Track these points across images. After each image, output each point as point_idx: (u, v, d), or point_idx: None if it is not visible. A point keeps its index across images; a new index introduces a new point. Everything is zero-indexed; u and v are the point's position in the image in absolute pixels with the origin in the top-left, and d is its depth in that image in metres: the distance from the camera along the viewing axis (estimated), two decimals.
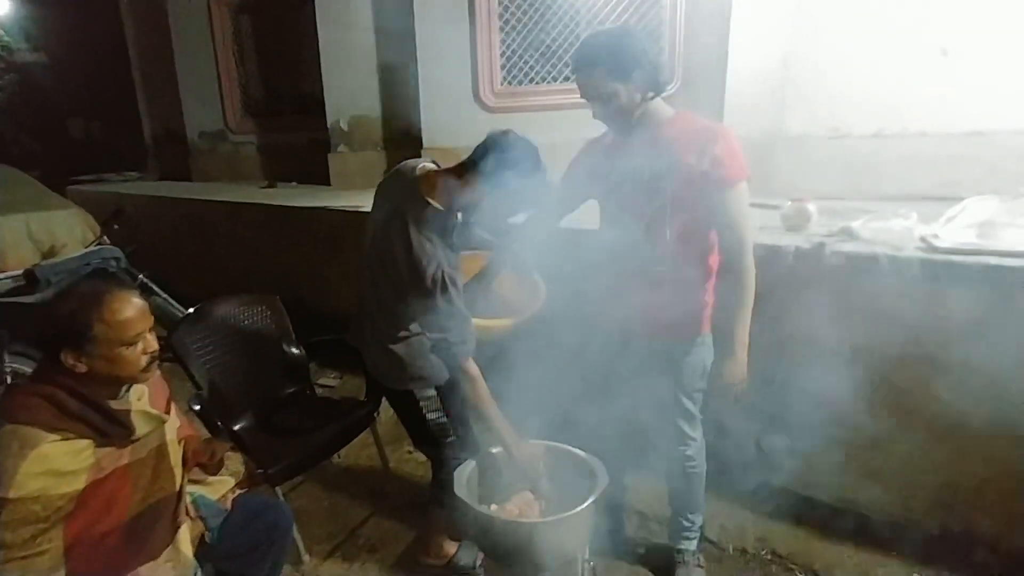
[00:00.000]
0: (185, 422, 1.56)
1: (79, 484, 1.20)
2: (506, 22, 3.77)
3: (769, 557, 2.02)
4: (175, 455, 1.44)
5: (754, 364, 1.74)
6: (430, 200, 1.60)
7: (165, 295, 3.55)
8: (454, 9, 3.75)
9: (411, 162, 1.70)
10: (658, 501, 2.18)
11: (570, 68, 1.57)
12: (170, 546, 1.37)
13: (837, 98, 2.82)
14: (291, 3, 4.97)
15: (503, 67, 3.84)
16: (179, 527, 1.42)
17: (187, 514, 1.49)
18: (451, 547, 2.04)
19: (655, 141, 1.54)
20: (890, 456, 1.95)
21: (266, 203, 4.04)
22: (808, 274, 1.94)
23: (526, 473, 1.69)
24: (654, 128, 1.55)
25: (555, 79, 3.73)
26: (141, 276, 3.42)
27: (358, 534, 2.25)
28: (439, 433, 1.82)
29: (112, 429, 1.25)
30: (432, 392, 1.79)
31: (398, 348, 1.70)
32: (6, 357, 2.68)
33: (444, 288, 1.55)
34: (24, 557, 1.14)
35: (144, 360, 1.27)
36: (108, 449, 1.26)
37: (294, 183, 4.98)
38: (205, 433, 1.85)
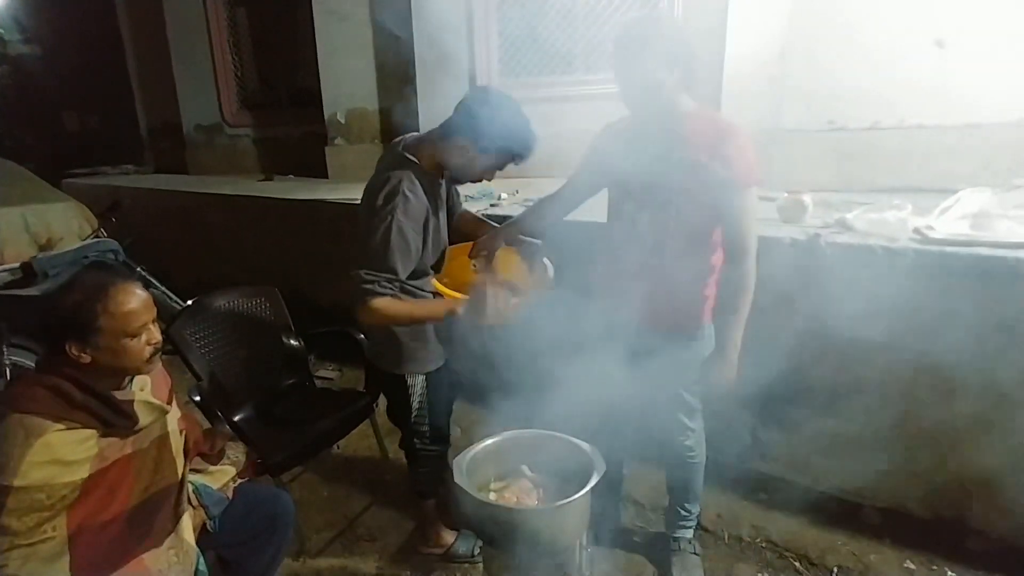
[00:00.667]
0: (184, 413, 1.57)
1: (83, 473, 1.21)
2: (504, 13, 3.76)
3: (764, 545, 2.04)
4: (177, 445, 1.45)
5: (749, 354, 1.76)
6: (413, 159, 1.63)
7: (163, 288, 3.55)
8: (452, 0, 3.74)
9: (407, 135, 1.74)
10: (655, 490, 2.21)
11: (612, 56, 1.52)
12: (173, 534, 1.39)
13: (833, 91, 2.82)
14: None
15: (501, 58, 3.84)
16: (181, 515, 1.44)
17: (189, 503, 1.51)
18: (449, 536, 2.06)
19: (672, 134, 1.53)
20: (883, 445, 1.97)
21: (264, 196, 4.04)
22: (803, 265, 1.95)
23: (488, 313, 1.53)
24: (674, 121, 1.54)
25: (552, 71, 3.72)
26: (139, 269, 3.42)
27: (357, 524, 2.27)
28: (416, 423, 1.86)
29: (116, 419, 1.27)
30: (421, 380, 1.81)
31: (396, 330, 1.73)
32: (5, 350, 2.68)
33: (389, 226, 1.53)
34: (29, 544, 1.15)
35: (148, 351, 1.29)
36: (111, 439, 1.27)
37: (291, 176, 4.97)
38: (205, 424, 1.87)
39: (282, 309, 2.45)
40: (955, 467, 1.88)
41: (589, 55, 3.62)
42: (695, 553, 1.95)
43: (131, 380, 1.34)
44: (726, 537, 2.09)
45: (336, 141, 4.55)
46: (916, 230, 1.89)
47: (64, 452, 1.18)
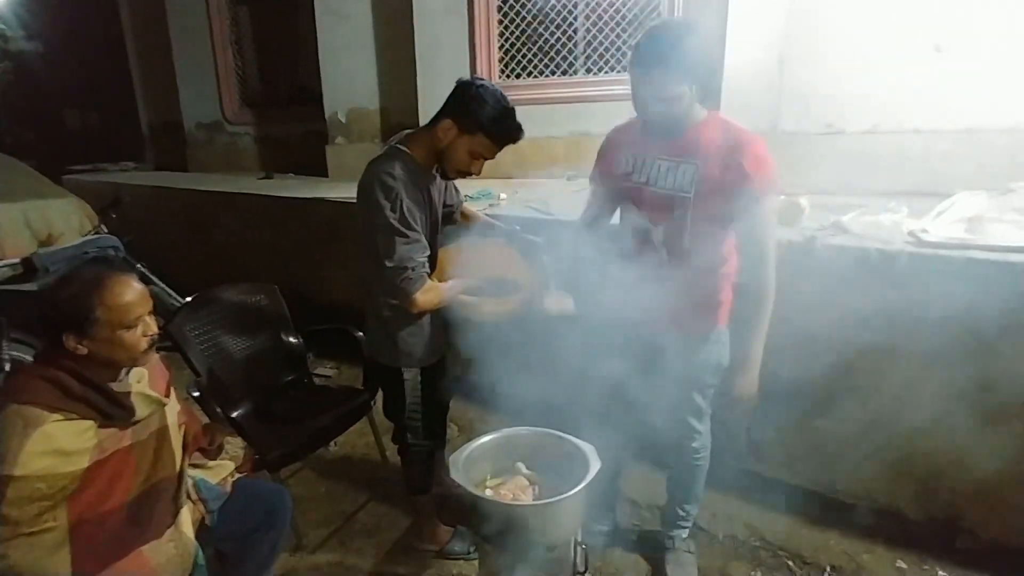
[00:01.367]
0: (184, 408, 1.59)
1: (82, 464, 1.22)
2: (504, 15, 3.78)
3: (758, 544, 2.06)
4: (176, 438, 1.46)
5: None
6: (406, 150, 1.66)
7: (163, 284, 3.57)
8: (453, 1, 3.76)
9: (401, 132, 1.77)
10: (651, 489, 2.22)
11: (633, 63, 1.47)
12: (172, 527, 1.40)
13: (832, 95, 2.84)
14: None
15: (501, 60, 3.86)
16: (180, 508, 1.45)
17: (188, 497, 1.52)
18: (445, 533, 2.08)
19: (686, 144, 1.52)
20: (877, 446, 1.99)
21: (264, 194, 4.05)
22: (799, 267, 1.97)
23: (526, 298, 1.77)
24: (688, 130, 1.52)
25: (553, 72, 3.75)
26: (139, 266, 3.43)
27: (354, 520, 2.28)
28: (409, 418, 1.88)
29: (113, 410, 1.28)
30: (415, 374, 1.84)
31: (389, 320, 1.75)
32: (4, 344, 2.69)
33: (393, 214, 1.58)
34: (30, 533, 1.17)
35: (144, 343, 1.30)
36: (110, 430, 1.28)
37: (291, 174, 4.99)
38: (204, 419, 1.88)
39: (281, 306, 2.46)
40: (948, 468, 1.90)
41: (590, 57, 3.65)
42: (690, 552, 1.97)
43: (128, 372, 1.35)
44: (720, 536, 2.11)
45: (337, 140, 4.57)
46: (911, 233, 1.90)
47: (63, 442, 1.19)
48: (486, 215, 2.10)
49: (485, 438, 1.67)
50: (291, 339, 2.45)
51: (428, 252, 1.68)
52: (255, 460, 1.84)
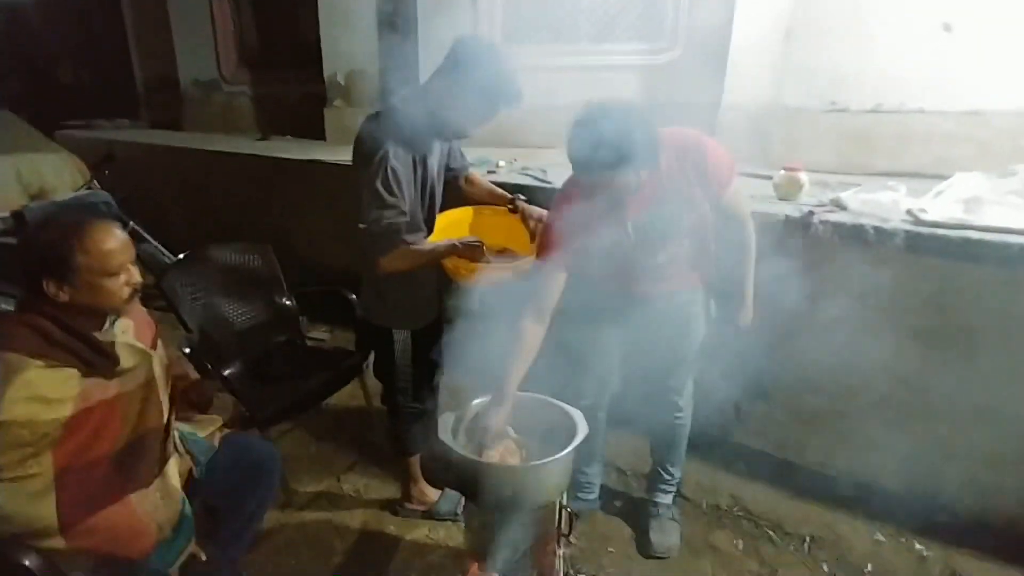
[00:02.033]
0: (176, 361, 1.59)
1: (65, 412, 1.22)
2: None
3: (740, 514, 2.10)
4: (163, 390, 1.46)
5: (737, 328, 1.78)
6: (403, 109, 1.63)
7: (155, 243, 3.55)
8: None
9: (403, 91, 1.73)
10: (637, 457, 2.25)
11: (578, 165, 1.42)
12: (159, 477, 1.41)
13: (837, 71, 2.80)
14: None
15: (504, 23, 3.78)
16: (167, 460, 1.46)
17: (176, 449, 1.53)
18: (433, 493, 2.11)
19: (653, 186, 1.47)
20: (863, 423, 2.01)
21: (260, 154, 4.00)
22: (795, 242, 1.96)
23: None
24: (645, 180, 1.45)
25: (556, 39, 3.67)
26: (132, 223, 3.40)
27: (343, 480, 2.31)
28: (399, 379, 1.88)
29: (96, 359, 1.27)
30: (406, 336, 1.83)
31: (386, 283, 1.75)
32: None
33: (378, 172, 1.56)
34: (14, 479, 1.17)
35: (126, 291, 1.28)
36: (95, 380, 1.27)
37: (288, 136, 4.91)
38: (195, 374, 1.88)
39: (275, 267, 2.45)
40: (931, 444, 1.92)
41: (594, 25, 3.57)
42: (673, 519, 2.00)
43: (113, 322, 1.34)
44: (704, 505, 2.14)
45: (335, 103, 4.48)
46: (909, 211, 1.89)
47: (45, 389, 1.19)
48: (489, 182, 2.08)
49: (475, 401, 1.67)
50: (284, 300, 2.45)
51: (406, 218, 1.63)
52: (244, 417, 1.85)
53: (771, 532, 2.01)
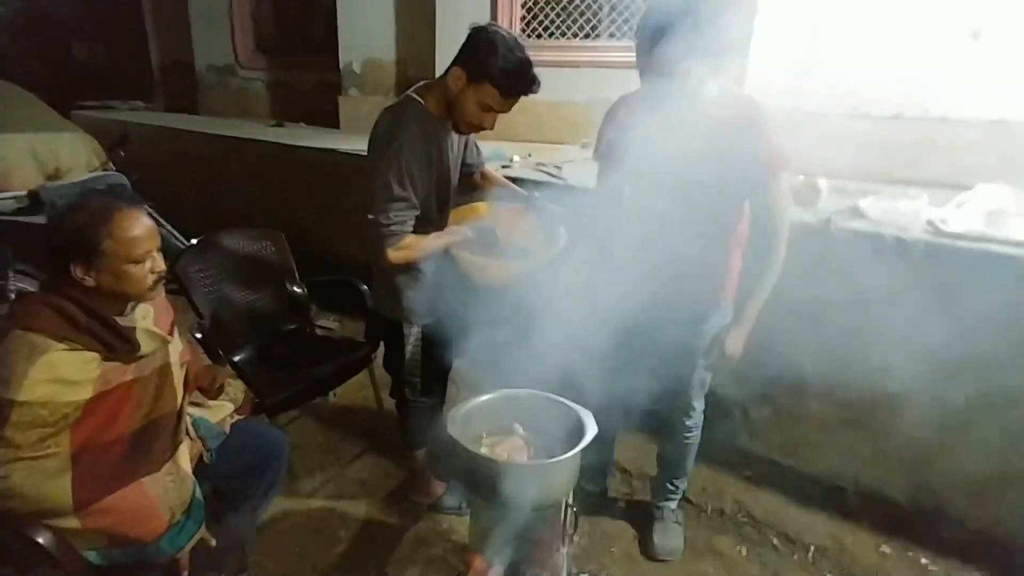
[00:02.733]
0: (188, 348, 1.60)
1: (85, 394, 1.23)
2: None
3: (744, 519, 2.09)
4: (177, 376, 1.48)
5: (751, 333, 1.76)
6: (419, 99, 1.63)
7: (168, 226, 3.56)
8: None
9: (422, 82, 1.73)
10: (643, 458, 2.25)
11: (638, 34, 1.43)
12: (171, 461, 1.42)
13: (859, 77, 2.76)
14: None
15: (523, 18, 3.75)
16: (179, 444, 1.47)
17: (187, 434, 1.54)
18: (438, 488, 2.11)
19: (698, 117, 1.45)
20: (870, 432, 2.00)
21: (274, 141, 4.00)
22: (812, 248, 1.94)
23: (487, 241, 1.76)
24: (699, 103, 1.46)
25: (575, 35, 3.64)
26: (145, 206, 3.41)
27: (349, 469, 2.32)
28: (408, 373, 1.88)
29: (117, 344, 1.28)
30: (417, 331, 1.84)
31: (398, 277, 1.75)
32: (11, 275, 2.70)
33: (390, 165, 1.56)
34: (33, 458, 1.18)
35: (151, 279, 1.30)
36: (114, 364, 1.29)
37: (302, 124, 4.92)
38: (206, 360, 1.89)
39: (287, 254, 2.46)
40: (938, 458, 1.91)
41: (614, 22, 3.54)
42: (677, 522, 2.00)
43: (134, 308, 1.35)
44: (708, 510, 2.14)
45: (350, 91, 4.48)
46: (929, 222, 1.87)
47: (67, 371, 1.20)
48: (503, 177, 2.07)
49: (483, 397, 1.67)
50: (295, 288, 2.45)
51: (416, 211, 1.64)
52: (254, 404, 1.86)
53: (775, 539, 2.01)
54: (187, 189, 4.60)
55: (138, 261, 1.26)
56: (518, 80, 1.54)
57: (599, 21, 3.56)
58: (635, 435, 2.24)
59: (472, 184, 1.98)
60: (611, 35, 3.55)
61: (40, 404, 1.17)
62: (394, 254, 1.64)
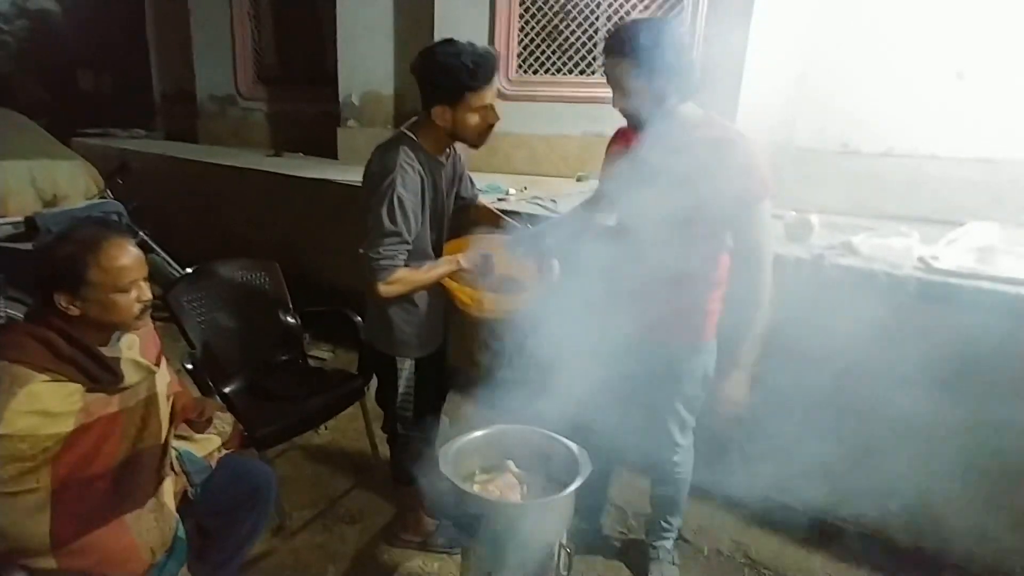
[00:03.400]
0: (176, 379, 1.57)
1: (67, 427, 1.21)
2: (526, 10, 3.75)
3: (743, 560, 2.05)
4: (163, 408, 1.44)
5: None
6: (412, 135, 1.65)
7: (164, 254, 3.55)
8: None
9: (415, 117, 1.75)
10: (638, 496, 2.21)
11: (602, 51, 1.53)
12: (154, 497, 1.38)
13: (849, 114, 2.82)
14: None
15: (519, 55, 3.83)
16: (163, 479, 1.43)
17: (172, 468, 1.51)
18: (430, 525, 2.06)
19: (677, 146, 1.46)
20: (871, 471, 1.97)
21: (272, 171, 4.03)
22: (805, 285, 1.95)
23: (480, 271, 1.74)
24: (678, 131, 1.48)
25: (571, 71, 3.71)
26: (142, 233, 3.42)
27: (339, 505, 2.27)
28: (401, 407, 1.86)
29: (101, 374, 1.26)
30: (410, 365, 1.82)
31: (391, 311, 1.75)
32: (1, 302, 2.68)
33: (384, 198, 1.57)
34: (11, 493, 1.15)
35: (137, 308, 1.28)
36: (97, 395, 1.27)
37: (301, 154, 4.96)
38: (196, 392, 1.86)
39: (281, 284, 2.45)
40: (939, 498, 1.88)
41: None
42: (673, 563, 1.96)
43: (119, 338, 1.33)
44: (705, 550, 2.09)
45: (349, 123, 4.54)
46: (921, 259, 1.88)
47: (49, 403, 1.18)
48: (498, 211, 2.08)
49: (476, 433, 1.65)
50: (288, 318, 2.43)
51: (408, 246, 1.64)
52: (243, 438, 1.83)
53: None
54: (184, 217, 4.61)
55: (124, 290, 1.25)
56: (483, 67, 1.55)
57: (594, 58, 3.64)
58: (629, 473, 2.20)
59: (466, 217, 1.98)
60: (605, 72, 3.62)
61: (20, 437, 1.15)
62: (385, 288, 1.64)
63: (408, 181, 1.60)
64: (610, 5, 3.55)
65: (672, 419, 1.75)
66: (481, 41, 3.91)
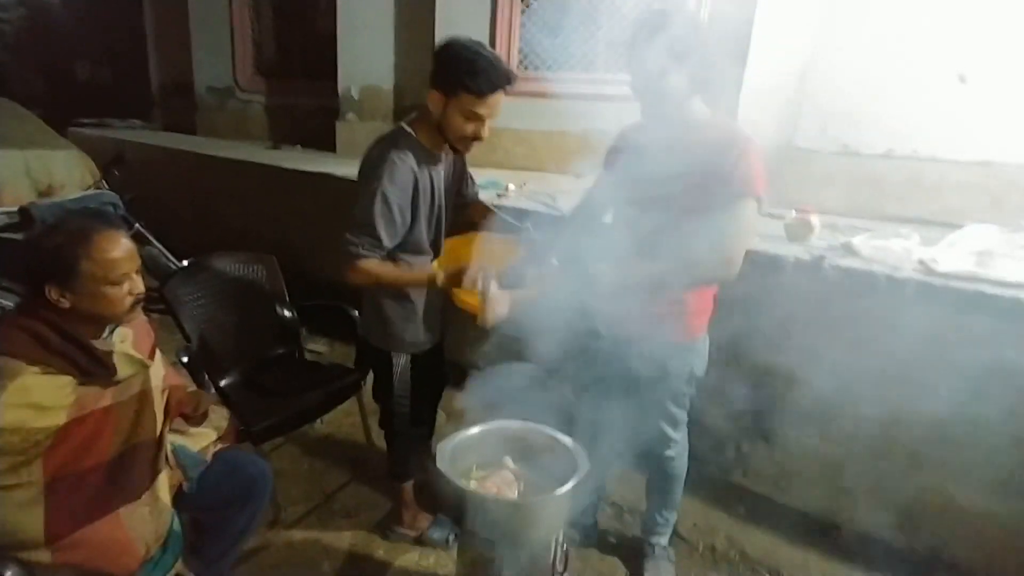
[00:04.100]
0: (172, 372, 1.56)
1: (59, 420, 1.20)
2: (528, 5, 3.74)
3: (737, 557, 2.05)
4: (158, 402, 1.43)
5: (743, 369, 1.75)
6: (409, 129, 1.64)
7: (160, 246, 3.53)
8: None
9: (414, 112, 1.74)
10: (633, 493, 2.21)
11: (628, 36, 1.48)
12: (149, 490, 1.38)
13: (850, 115, 2.82)
14: None
15: (521, 50, 3.82)
16: (158, 473, 1.42)
17: (167, 462, 1.50)
18: (424, 520, 2.06)
19: (686, 142, 1.47)
20: (867, 471, 1.98)
21: (270, 164, 4.01)
22: (805, 285, 1.95)
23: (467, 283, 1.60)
24: (687, 128, 1.49)
25: (572, 67, 3.70)
26: (137, 225, 3.40)
27: (334, 499, 2.26)
28: (397, 403, 1.86)
29: (93, 367, 1.25)
30: (406, 360, 1.81)
31: (387, 305, 1.74)
32: None
33: (373, 193, 1.57)
34: (4, 487, 1.14)
35: (128, 301, 1.27)
36: (90, 388, 1.26)
37: (299, 147, 4.94)
38: (192, 385, 1.85)
39: (278, 278, 2.44)
40: (935, 500, 1.89)
41: (610, 54, 3.61)
42: (669, 560, 1.96)
43: (112, 331, 1.32)
44: (700, 547, 2.10)
45: (348, 116, 4.52)
46: (920, 261, 1.88)
47: (40, 396, 1.17)
48: (495, 208, 2.07)
49: (473, 429, 1.64)
50: (285, 312, 2.42)
51: (384, 246, 1.63)
52: (239, 432, 1.82)
53: None
54: (181, 209, 4.58)
55: (116, 283, 1.24)
56: (488, 77, 1.53)
57: (595, 55, 3.63)
58: (625, 469, 2.20)
59: (465, 215, 1.97)
60: (608, 67, 3.61)
61: (11, 430, 1.13)
62: (351, 275, 1.64)
63: (397, 176, 1.59)
64: (612, 2, 3.54)
65: (663, 416, 1.76)
66: (483, 34, 3.92)
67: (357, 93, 4.44)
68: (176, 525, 1.44)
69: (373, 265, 1.62)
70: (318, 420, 2.59)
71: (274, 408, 2.06)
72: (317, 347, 3.42)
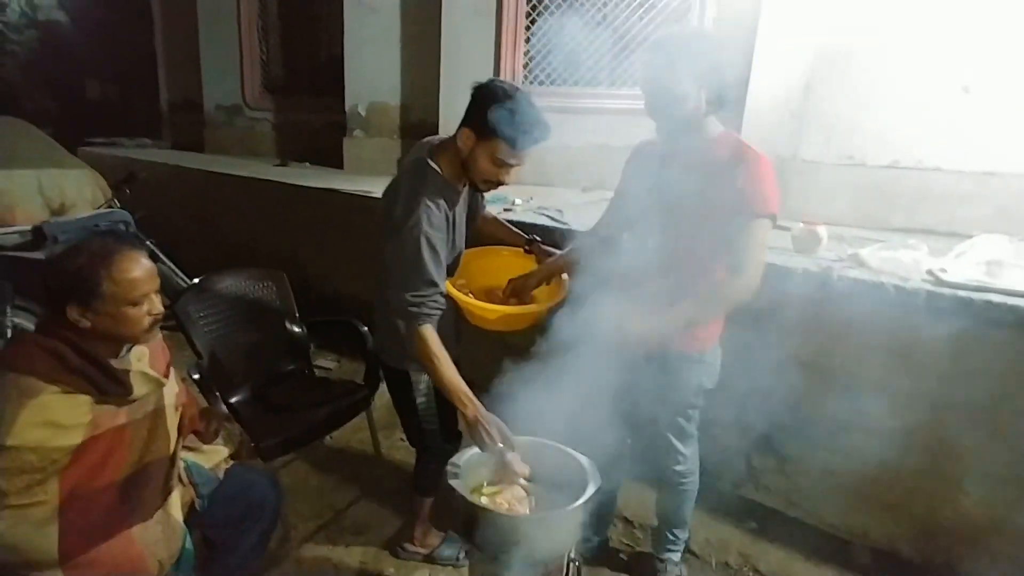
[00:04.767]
0: (184, 389, 1.57)
1: (76, 439, 1.21)
2: (532, 21, 3.78)
3: (751, 574, 2.03)
4: (171, 420, 1.44)
5: (752, 381, 1.74)
6: (435, 166, 1.63)
7: (170, 263, 3.55)
8: (482, 3, 3.76)
9: (434, 137, 1.73)
10: (645, 508, 2.19)
11: (642, 60, 1.49)
12: (161, 509, 1.38)
13: (855, 126, 2.83)
14: None
15: (526, 65, 3.86)
16: (171, 491, 1.43)
17: (179, 480, 1.50)
18: (435, 538, 2.05)
19: (698, 160, 1.49)
20: (879, 485, 1.96)
21: (278, 181, 4.05)
22: (813, 297, 1.94)
23: (482, 446, 1.58)
24: (700, 145, 1.50)
25: (576, 82, 3.73)
26: (149, 242, 3.42)
27: (344, 516, 2.26)
28: (424, 421, 1.84)
29: (111, 387, 1.26)
30: (426, 377, 1.80)
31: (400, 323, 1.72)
32: (9, 311, 2.69)
33: (417, 240, 1.54)
34: (19, 506, 1.15)
35: (147, 321, 1.28)
36: (106, 407, 1.27)
37: (307, 164, 4.99)
38: (203, 402, 1.86)
39: (288, 294, 2.45)
40: (948, 513, 1.87)
41: (615, 69, 3.64)
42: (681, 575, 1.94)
43: (129, 349, 1.33)
44: (713, 563, 2.08)
45: (355, 133, 4.56)
46: (929, 271, 1.88)
47: (58, 415, 1.18)
48: (505, 221, 2.08)
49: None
50: (295, 328, 2.44)
51: (440, 290, 1.61)
52: (250, 449, 1.83)
53: None
54: (191, 226, 4.62)
55: (136, 303, 1.25)
56: (526, 130, 1.52)
57: (600, 70, 3.66)
58: (637, 484, 2.19)
59: (475, 228, 1.99)
60: (612, 82, 3.64)
61: (29, 449, 1.14)
62: (419, 341, 1.58)
63: (435, 219, 1.58)
64: (616, 17, 3.57)
65: (671, 430, 1.75)
66: (488, 50, 3.94)
67: (364, 110, 4.49)
68: (188, 543, 1.44)
69: (434, 341, 1.58)
70: (327, 436, 2.60)
71: (283, 425, 2.07)
72: (325, 363, 3.42)
